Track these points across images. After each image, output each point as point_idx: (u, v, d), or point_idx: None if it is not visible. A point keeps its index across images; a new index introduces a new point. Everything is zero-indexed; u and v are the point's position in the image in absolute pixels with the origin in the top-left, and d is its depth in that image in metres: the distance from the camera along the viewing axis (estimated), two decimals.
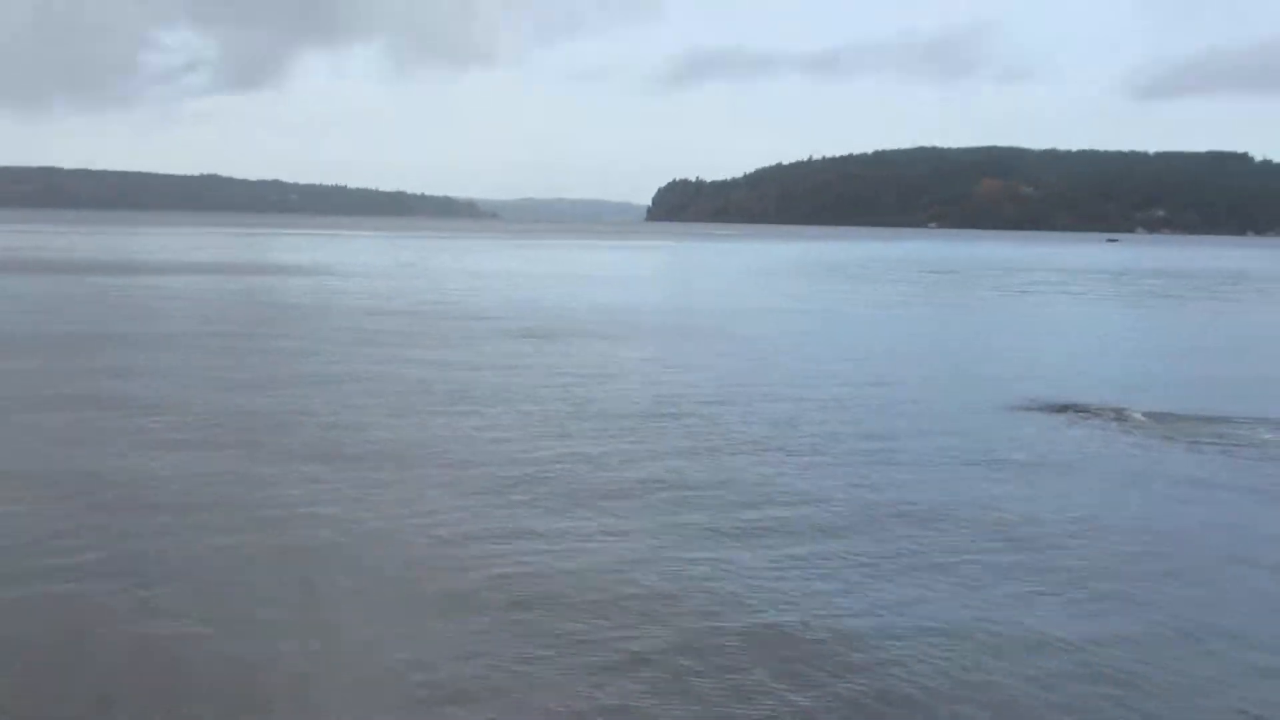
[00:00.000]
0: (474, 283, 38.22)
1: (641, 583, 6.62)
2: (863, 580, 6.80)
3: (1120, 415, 12.76)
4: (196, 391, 13.43)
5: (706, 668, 5.44)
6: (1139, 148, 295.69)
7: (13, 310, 24.14)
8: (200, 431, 10.88)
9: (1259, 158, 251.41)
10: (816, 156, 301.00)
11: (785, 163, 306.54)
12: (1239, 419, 12.60)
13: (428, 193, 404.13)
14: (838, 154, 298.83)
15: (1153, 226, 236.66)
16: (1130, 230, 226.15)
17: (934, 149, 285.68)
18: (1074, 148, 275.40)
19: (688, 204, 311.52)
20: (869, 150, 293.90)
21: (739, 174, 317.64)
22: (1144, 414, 12.80)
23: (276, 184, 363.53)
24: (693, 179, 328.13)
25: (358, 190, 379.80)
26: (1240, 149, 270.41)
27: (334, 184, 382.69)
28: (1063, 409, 13.16)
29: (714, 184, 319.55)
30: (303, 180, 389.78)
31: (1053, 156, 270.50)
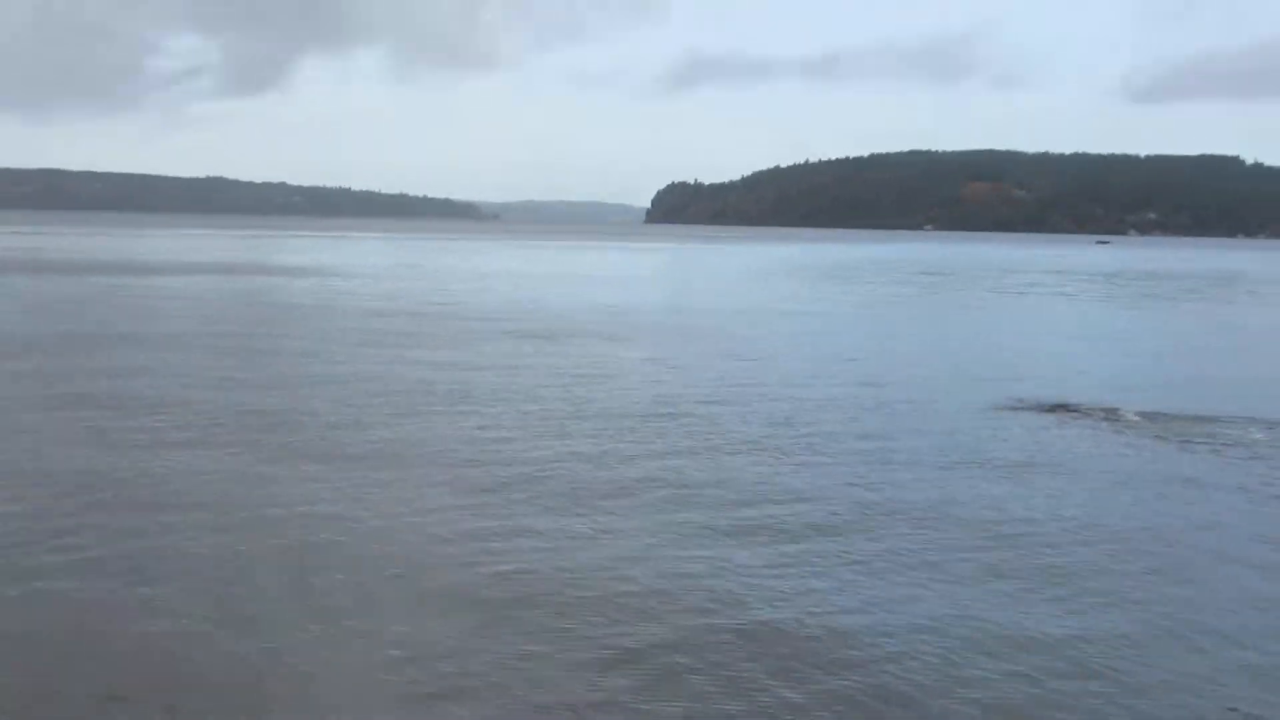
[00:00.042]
0: (475, 283, 38.26)
1: (639, 580, 6.68)
2: (856, 578, 6.86)
3: (1113, 415, 12.88)
4: (199, 391, 13.47)
5: (702, 664, 5.49)
6: (1131, 151, 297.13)
7: (18, 310, 24.15)
8: (202, 431, 10.92)
9: (1249, 161, 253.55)
10: (813, 159, 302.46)
11: (782, 165, 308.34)
12: (1230, 419, 12.72)
13: (430, 195, 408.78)
14: (834, 157, 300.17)
15: (1144, 229, 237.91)
16: (1122, 232, 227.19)
17: (929, 152, 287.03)
18: (1067, 151, 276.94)
19: (686, 206, 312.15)
20: (865, 153, 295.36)
21: (737, 176, 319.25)
22: (1136, 414, 12.92)
23: (281, 186, 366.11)
24: (691, 181, 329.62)
25: (361, 192, 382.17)
26: (1231, 152, 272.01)
27: (337, 186, 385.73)
28: (1056, 409, 13.27)
29: (712, 186, 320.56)
30: (307, 183, 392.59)
31: (1046, 159, 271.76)
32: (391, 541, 7.35)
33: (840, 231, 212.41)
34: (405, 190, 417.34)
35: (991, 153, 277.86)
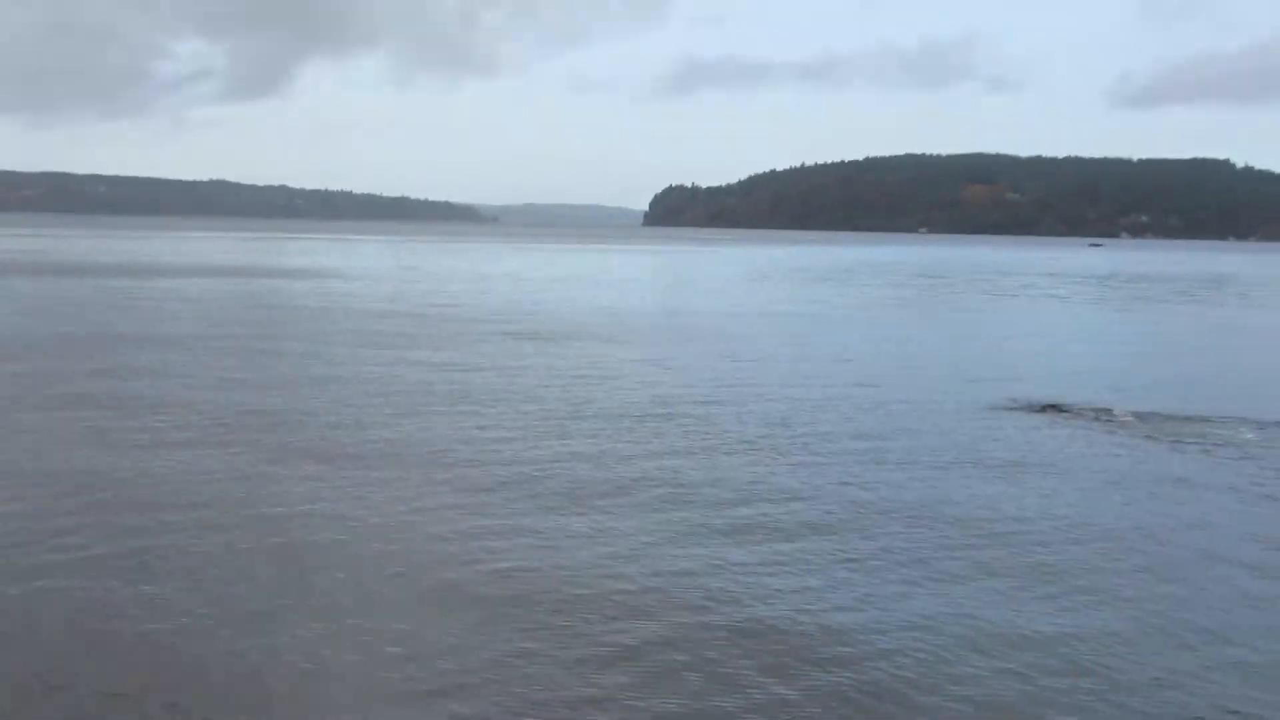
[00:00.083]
0: (475, 285, 38.35)
1: (635, 578, 6.75)
2: (850, 576, 6.93)
3: (1105, 415, 12.99)
4: (200, 391, 13.53)
5: (697, 661, 5.55)
6: (1123, 154, 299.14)
7: (21, 312, 24.13)
8: (204, 431, 10.97)
9: (1240, 164, 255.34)
10: (810, 163, 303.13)
11: (779, 169, 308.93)
12: (1221, 419, 12.83)
13: (430, 198, 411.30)
14: (830, 160, 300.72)
15: (1136, 231, 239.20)
16: (1114, 235, 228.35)
17: (923, 156, 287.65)
18: (1060, 154, 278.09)
19: (684, 209, 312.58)
20: (860, 157, 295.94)
21: (734, 180, 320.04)
22: (1128, 414, 13.03)
23: (283, 189, 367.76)
24: (689, 185, 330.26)
25: (362, 196, 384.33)
26: (1222, 156, 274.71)
27: (339, 190, 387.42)
28: (1049, 409, 13.37)
29: (709, 190, 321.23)
30: (309, 186, 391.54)
31: (1039, 163, 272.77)
32: (391, 540, 7.40)
33: (836, 234, 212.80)
34: (406, 193, 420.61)
35: (985, 156, 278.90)
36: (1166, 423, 12.60)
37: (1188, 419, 12.86)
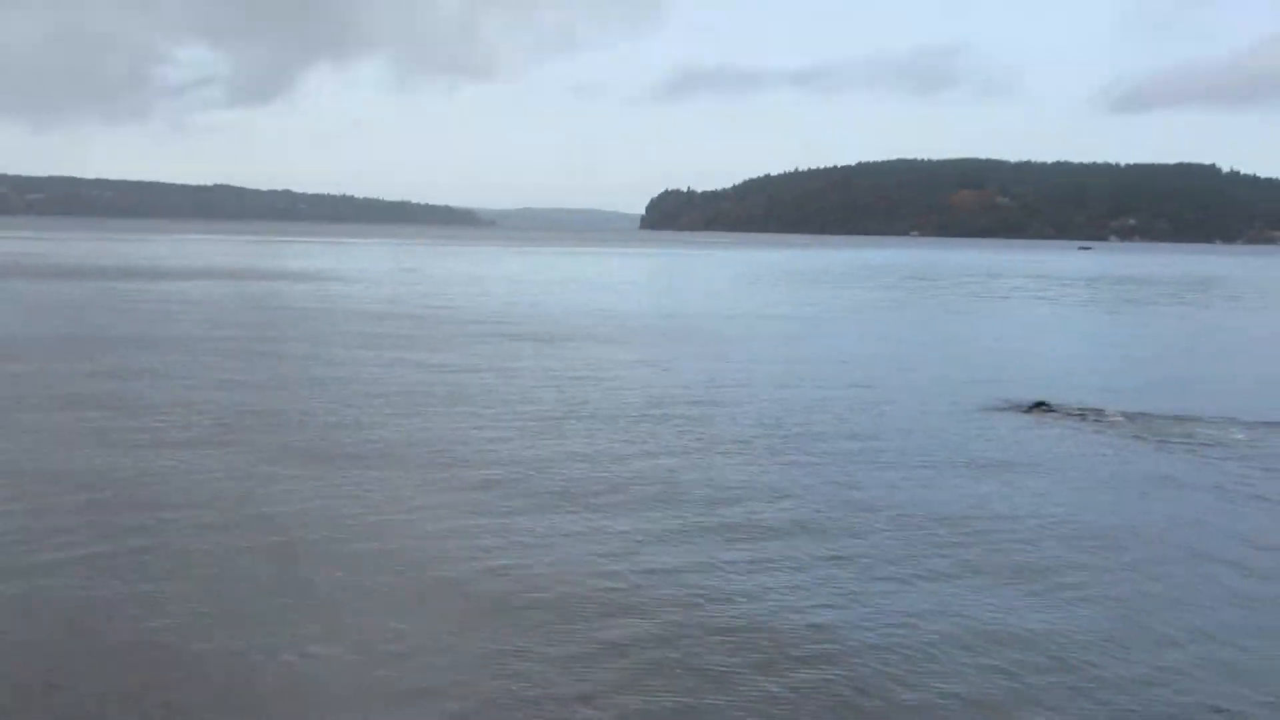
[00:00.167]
0: (474, 288, 38.38)
1: (627, 577, 6.80)
2: (840, 574, 6.99)
3: (1095, 416, 13.12)
4: (201, 392, 13.55)
5: (687, 657, 5.60)
6: (1111, 159, 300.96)
7: (24, 313, 24.07)
8: (204, 431, 11.01)
9: (1226, 169, 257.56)
10: (803, 168, 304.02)
11: (773, 174, 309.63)
12: (1209, 419, 12.94)
13: (430, 202, 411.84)
14: (823, 165, 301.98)
15: (1125, 235, 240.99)
16: (1103, 238, 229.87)
17: (914, 161, 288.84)
18: (1049, 159, 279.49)
19: (680, 213, 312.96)
20: (853, 162, 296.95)
21: (729, 184, 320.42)
22: (1118, 414, 13.16)
23: (286, 194, 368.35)
24: (684, 189, 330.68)
25: (363, 200, 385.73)
26: (1208, 160, 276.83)
27: (341, 194, 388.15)
28: (1039, 409, 13.48)
29: (705, 194, 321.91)
30: (310, 190, 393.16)
31: (1028, 168, 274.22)
32: (389, 539, 7.45)
33: (829, 237, 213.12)
34: (406, 197, 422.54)
35: (975, 161, 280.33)
36: (1155, 423, 12.72)
37: (1177, 419, 12.99)
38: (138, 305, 27.19)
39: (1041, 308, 36.45)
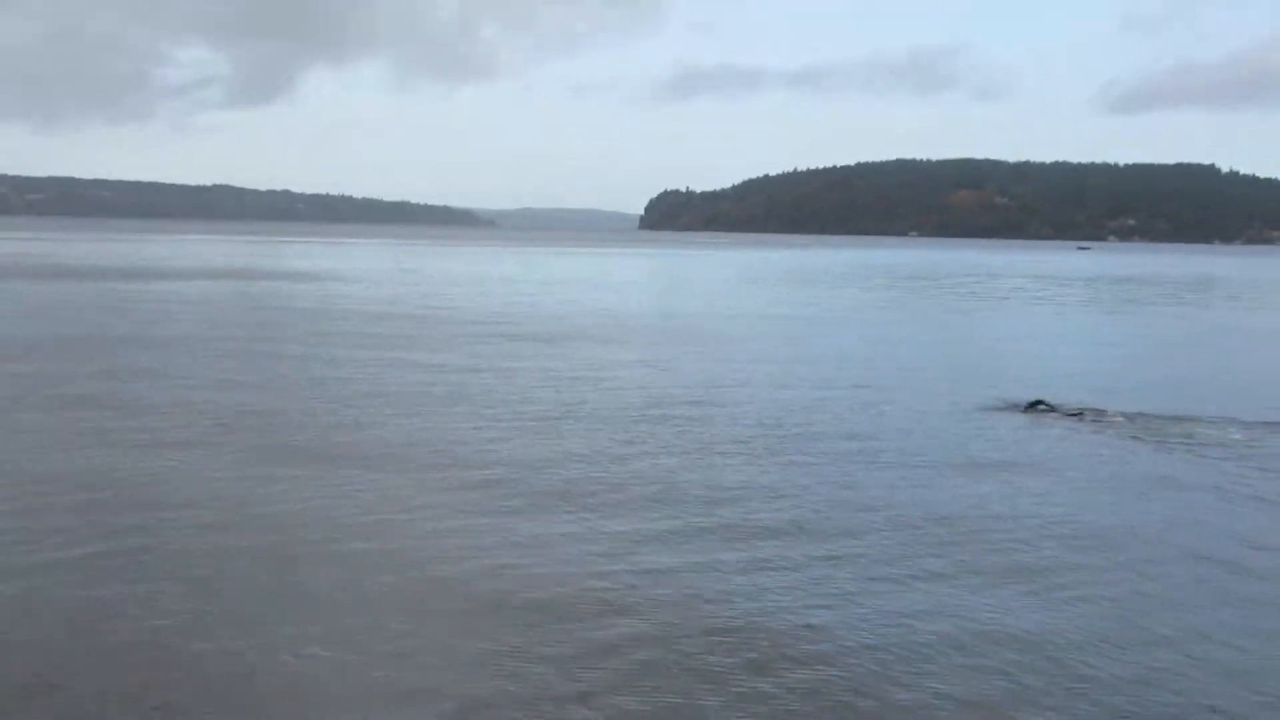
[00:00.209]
0: (473, 288, 38.41)
1: (623, 577, 6.81)
2: (836, 574, 6.99)
3: (1094, 416, 13.13)
4: (200, 392, 13.56)
5: (683, 657, 5.60)
6: (1110, 159, 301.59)
7: (24, 313, 24.08)
8: (203, 431, 11.02)
9: (1225, 169, 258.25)
10: (802, 168, 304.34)
11: (773, 174, 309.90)
12: (1208, 419, 12.95)
13: (429, 202, 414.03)
14: (822, 166, 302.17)
15: (1123, 235, 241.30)
16: (1102, 239, 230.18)
17: (913, 161, 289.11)
18: (1047, 160, 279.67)
19: (679, 213, 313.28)
20: (852, 162, 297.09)
21: (728, 184, 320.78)
22: (1117, 414, 13.17)
23: (285, 194, 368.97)
24: (684, 189, 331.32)
25: (363, 200, 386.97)
26: (1207, 160, 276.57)
27: (340, 194, 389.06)
28: (1038, 409, 13.50)
29: (704, 194, 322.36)
30: (310, 190, 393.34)
31: (1026, 168, 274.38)
32: (388, 539, 7.46)
33: (828, 237, 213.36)
34: (406, 198, 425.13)
35: (974, 161, 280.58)
36: (1154, 423, 12.73)
37: (1176, 419, 13.00)
38: (137, 305, 27.20)
39: (1040, 308, 36.48)
